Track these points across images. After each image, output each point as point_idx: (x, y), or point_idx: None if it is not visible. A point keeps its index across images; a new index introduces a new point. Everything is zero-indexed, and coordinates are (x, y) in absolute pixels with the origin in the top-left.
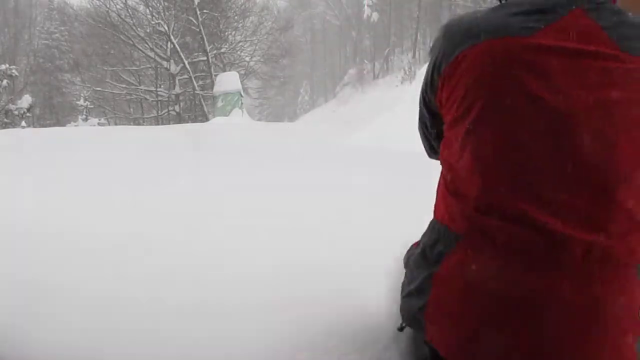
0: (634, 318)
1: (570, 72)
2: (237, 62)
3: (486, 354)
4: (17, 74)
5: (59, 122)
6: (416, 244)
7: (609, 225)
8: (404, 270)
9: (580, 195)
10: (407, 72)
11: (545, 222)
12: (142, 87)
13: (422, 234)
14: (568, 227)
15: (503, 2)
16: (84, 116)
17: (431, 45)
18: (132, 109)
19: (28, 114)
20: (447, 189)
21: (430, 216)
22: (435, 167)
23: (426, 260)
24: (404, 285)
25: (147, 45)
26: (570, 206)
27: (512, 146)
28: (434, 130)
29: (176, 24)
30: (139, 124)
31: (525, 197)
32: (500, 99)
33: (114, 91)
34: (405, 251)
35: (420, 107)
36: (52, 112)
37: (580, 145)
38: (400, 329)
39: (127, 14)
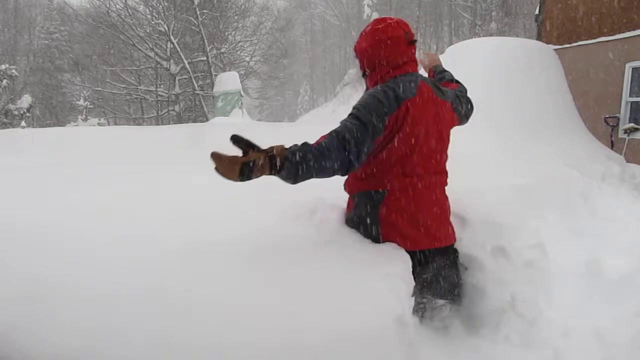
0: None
1: (427, 110)
2: (237, 62)
3: (420, 233)
4: (17, 74)
5: (59, 122)
6: (350, 209)
7: (441, 171)
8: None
9: (436, 159)
10: None
11: (425, 173)
12: (142, 87)
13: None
14: (433, 172)
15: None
16: (83, 116)
17: (378, 99)
18: (132, 109)
19: (28, 114)
20: (378, 170)
21: None
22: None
23: (367, 212)
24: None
25: (147, 45)
26: (433, 165)
27: (414, 146)
28: (366, 141)
29: (176, 24)
30: (139, 124)
31: (418, 166)
32: (413, 126)
33: (113, 91)
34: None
35: (369, 127)
36: (52, 112)
37: (431, 139)
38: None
39: (127, 14)
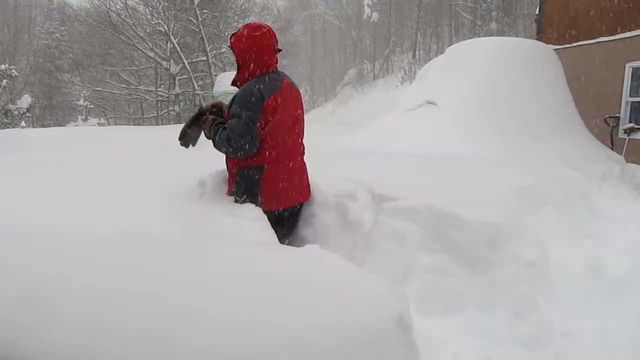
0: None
1: (291, 100)
2: None
3: (289, 198)
4: (17, 74)
5: (59, 122)
6: (232, 187)
7: (302, 147)
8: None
9: (300, 138)
10: (407, 72)
11: (293, 152)
12: (142, 87)
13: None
14: (297, 150)
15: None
16: (83, 116)
17: (256, 91)
18: (132, 109)
19: (28, 114)
20: (261, 150)
21: None
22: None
23: (250, 181)
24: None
25: (147, 45)
26: (298, 144)
27: (285, 131)
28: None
29: (176, 24)
30: (138, 124)
31: (289, 147)
32: (281, 114)
33: (113, 91)
34: None
35: (251, 118)
36: (52, 112)
37: (295, 122)
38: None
39: (127, 14)
